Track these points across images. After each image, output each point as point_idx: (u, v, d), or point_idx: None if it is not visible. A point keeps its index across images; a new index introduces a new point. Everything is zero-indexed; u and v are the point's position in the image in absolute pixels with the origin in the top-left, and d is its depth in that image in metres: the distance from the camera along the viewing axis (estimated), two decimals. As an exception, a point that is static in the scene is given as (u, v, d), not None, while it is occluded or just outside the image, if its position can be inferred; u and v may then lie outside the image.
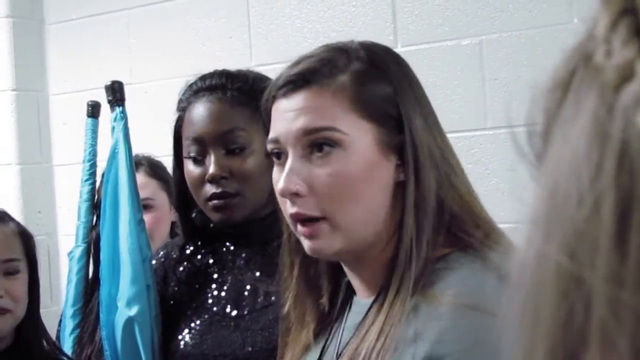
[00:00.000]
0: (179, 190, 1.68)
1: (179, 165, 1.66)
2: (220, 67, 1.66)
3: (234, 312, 1.59)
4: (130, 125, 1.83)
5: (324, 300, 1.21)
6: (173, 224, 2.31)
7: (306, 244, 1.11)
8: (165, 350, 1.65)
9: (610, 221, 0.33)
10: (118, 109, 1.83)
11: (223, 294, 1.62)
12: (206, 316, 1.61)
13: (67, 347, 2.03)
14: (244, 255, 1.63)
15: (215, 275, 1.64)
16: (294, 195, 1.09)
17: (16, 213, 2.38)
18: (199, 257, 1.68)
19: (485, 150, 2.41)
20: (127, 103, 1.85)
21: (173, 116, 1.67)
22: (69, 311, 2.09)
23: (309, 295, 1.21)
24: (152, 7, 3.02)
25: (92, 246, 2.13)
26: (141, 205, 1.81)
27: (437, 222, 1.08)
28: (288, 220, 1.13)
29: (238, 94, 1.58)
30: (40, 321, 1.81)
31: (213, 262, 1.66)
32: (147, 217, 1.89)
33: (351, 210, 1.08)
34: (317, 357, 1.18)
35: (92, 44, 3.16)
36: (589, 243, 0.33)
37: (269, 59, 2.65)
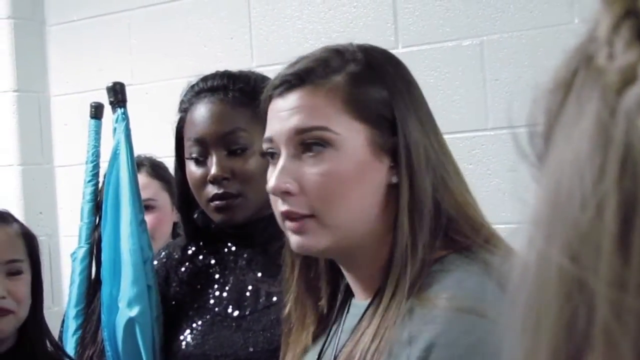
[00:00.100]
0: (180, 191, 1.68)
1: (180, 166, 1.66)
2: (221, 68, 1.66)
3: (236, 313, 1.59)
4: (131, 126, 1.84)
5: (323, 302, 1.21)
6: (175, 224, 2.31)
7: (293, 239, 1.11)
8: (167, 351, 1.65)
9: (613, 224, 0.33)
10: (119, 110, 1.83)
11: (225, 294, 1.62)
12: (208, 316, 1.61)
13: (70, 347, 2.03)
14: (245, 255, 1.63)
15: (217, 276, 1.64)
16: (284, 194, 1.09)
17: (17, 214, 2.37)
18: (200, 257, 1.68)
19: (486, 150, 2.40)
20: (128, 104, 1.86)
21: (174, 117, 1.67)
22: (72, 312, 2.09)
23: (309, 296, 1.21)
24: (153, 8, 3.02)
25: (94, 247, 2.13)
26: (143, 206, 1.81)
27: (434, 225, 1.07)
28: (278, 217, 1.13)
29: (240, 95, 1.58)
30: (44, 322, 1.81)
31: (215, 263, 1.66)
32: (149, 218, 1.89)
33: (341, 209, 1.08)
34: (316, 358, 1.18)
35: (93, 45, 3.16)
36: (591, 246, 0.33)
37: (270, 60, 2.65)
